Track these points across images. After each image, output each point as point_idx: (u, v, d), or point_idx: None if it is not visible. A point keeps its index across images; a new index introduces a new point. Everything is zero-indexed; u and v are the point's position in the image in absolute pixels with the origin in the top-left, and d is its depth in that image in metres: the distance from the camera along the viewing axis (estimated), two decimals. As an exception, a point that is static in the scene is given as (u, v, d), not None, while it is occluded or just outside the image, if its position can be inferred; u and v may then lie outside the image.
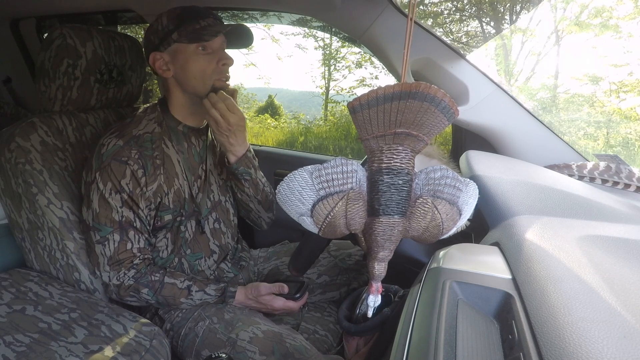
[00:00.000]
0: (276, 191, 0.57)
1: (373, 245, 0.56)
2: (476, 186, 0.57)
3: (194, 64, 0.80)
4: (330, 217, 0.55)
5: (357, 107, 0.52)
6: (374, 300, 0.61)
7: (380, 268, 0.57)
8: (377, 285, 0.59)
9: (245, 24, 0.84)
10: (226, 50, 0.84)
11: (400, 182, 0.53)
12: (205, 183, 0.91)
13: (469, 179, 0.57)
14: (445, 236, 0.57)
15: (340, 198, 0.54)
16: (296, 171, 0.55)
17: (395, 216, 0.53)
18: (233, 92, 0.83)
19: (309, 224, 0.57)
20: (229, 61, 0.82)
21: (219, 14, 0.85)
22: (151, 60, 0.82)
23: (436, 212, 0.54)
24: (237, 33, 0.83)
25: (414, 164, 0.54)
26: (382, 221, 0.54)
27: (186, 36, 0.79)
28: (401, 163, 0.53)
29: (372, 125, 0.53)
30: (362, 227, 0.56)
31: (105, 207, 0.78)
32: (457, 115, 0.52)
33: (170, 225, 0.86)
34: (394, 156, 0.53)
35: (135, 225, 0.80)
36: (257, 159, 0.93)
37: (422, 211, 0.54)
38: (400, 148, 0.53)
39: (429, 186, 0.55)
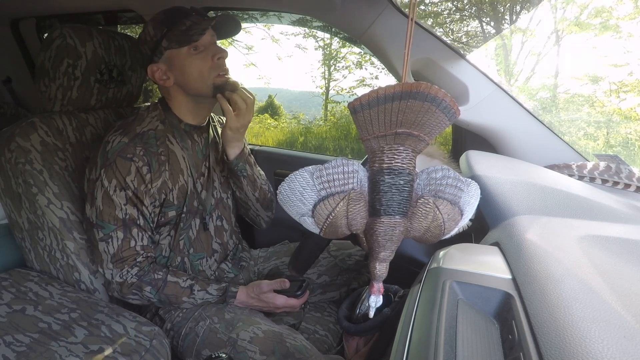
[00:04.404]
0: (277, 191, 0.57)
1: (374, 245, 0.55)
2: (478, 186, 0.57)
3: (191, 67, 0.80)
4: (331, 217, 0.55)
5: (358, 107, 0.52)
6: (375, 300, 0.61)
7: (381, 268, 0.57)
8: (378, 286, 0.59)
9: (245, 24, 0.84)
10: (226, 49, 0.84)
11: (402, 182, 0.53)
12: (208, 180, 0.91)
13: (470, 179, 0.57)
14: (447, 236, 0.57)
15: (342, 198, 0.54)
16: (297, 171, 0.55)
17: (397, 216, 0.53)
18: (235, 85, 0.83)
19: (310, 225, 0.57)
20: (223, 54, 0.82)
21: (219, 14, 0.85)
22: (150, 73, 0.82)
23: (437, 212, 0.54)
24: (224, 23, 0.83)
25: (415, 164, 0.54)
26: (383, 221, 0.54)
27: (175, 41, 0.78)
28: (402, 163, 0.53)
29: (373, 126, 0.53)
30: (364, 227, 0.56)
31: (109, 204, 0.78)
32: (459, 115, 0.52)
33: (174, 222, 0.86)
34: (395, 156, 0.53)
35: (138, 223, 0.80)
36: (252, 156, 0.94)
37: (423, 211, 0.54)
38: (401, 148, 0.53)
39: (431, 186, 0.54)
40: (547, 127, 0.94)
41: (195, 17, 0.80)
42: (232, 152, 0.87)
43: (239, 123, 0.82)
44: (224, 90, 0.81)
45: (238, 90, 0.81)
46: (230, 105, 0.81)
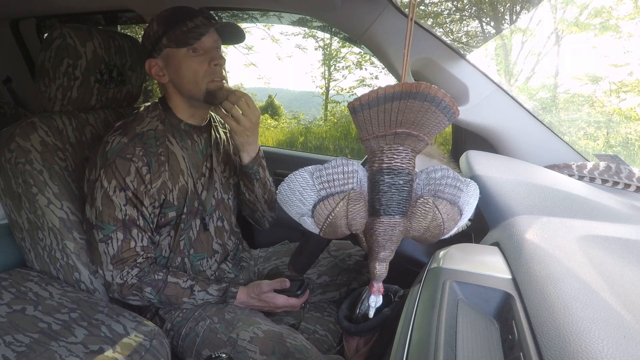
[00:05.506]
0: (277, 192, 0.57)
1: (374, 245, 0.55)
2: (477, 186, 0.57)
3: (186, 68, 0.80)
4: (331, 217, 0.55)
5: (358, 107, 0.52)
6: (375, 300, 0.61)
7: (381, 268, 0.57)
8: (378, 286, 0.59)
9: (245, 24, 0.84)
10: (227, 50, 0.84)
11: (401, 182, 0.53)
12: (209, 181, 0.91)
13: (469, 179, 0.57)
14: (446, 236, 0.57)
15: (341, 198, 0.54)
16: (297, 171, 0.55)
17: (396, 216, 0.53)
18: (228, 92, 0.83)
19: (309, 225, 0.57)
20: (220, 61, 0.81)
21: (219, 14, 0.85)
22: (147, 67, 0.83)
23: (437, 212, 0.54)
24: (228, 30, 0.83)
25: (414, 164, 0.54)
26: (383, 221, 0.54)
27: (174, 40, 0.78)
28: (402, 163, 0.53)
29: (372, 126, 0.53)
30: (363, 227, 0.56)
31: (109, 205, 0.78)
32: (458, 115, 0.52)
33: (174, 222, 0.86)
34: (395, 156, 0.53)
35: (138, 223, 0.80)
36: (264, 158, 0.94)
37: (423, 211, 0.54)
38: (400, 148, 0.53)
39: (430, 186, 0.54)
40: (547, 127, 0.94)
41: (200, 20, 0.79)
42: (246, 156, 0.87)
43: (242, 127, 0.81)
44: (216, 97, 0.80)
45: (229, 97, 0.80)
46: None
